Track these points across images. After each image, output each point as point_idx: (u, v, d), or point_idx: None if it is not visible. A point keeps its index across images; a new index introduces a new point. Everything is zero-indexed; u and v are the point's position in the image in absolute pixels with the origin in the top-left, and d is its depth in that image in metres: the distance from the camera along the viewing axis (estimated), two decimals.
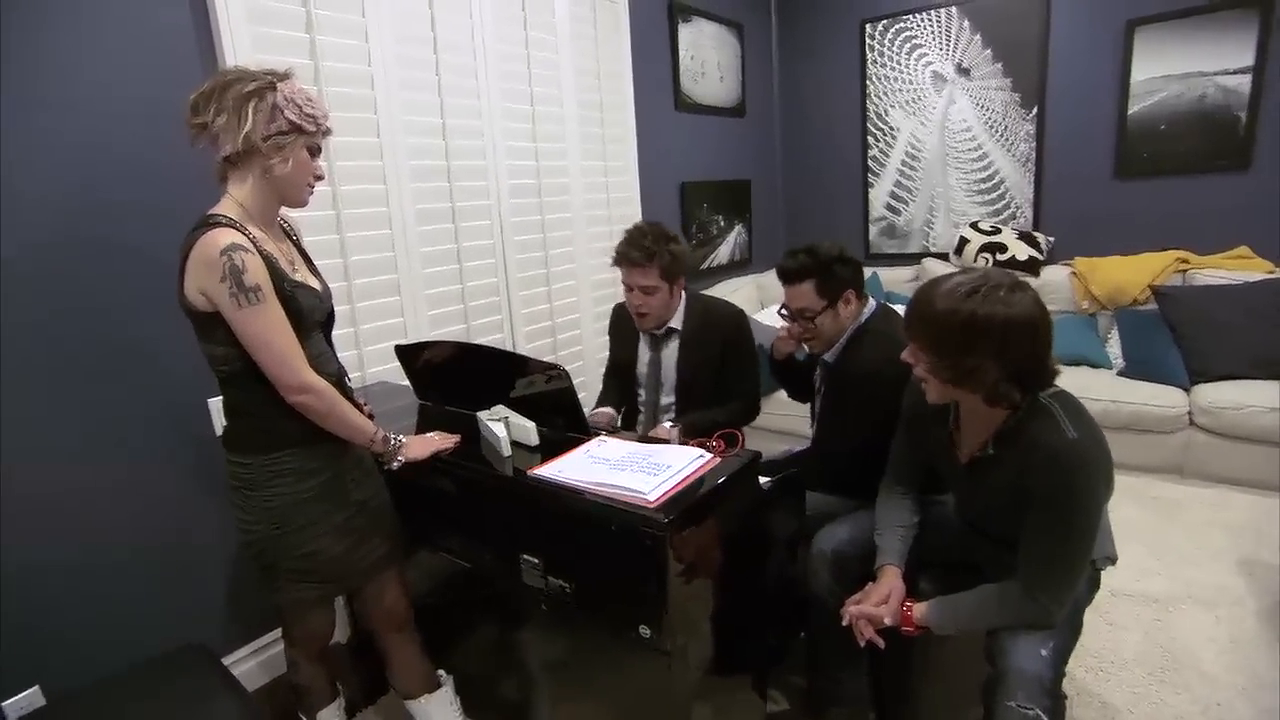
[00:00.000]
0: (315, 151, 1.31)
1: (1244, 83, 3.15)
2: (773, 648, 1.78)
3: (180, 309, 1.24)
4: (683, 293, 2.05)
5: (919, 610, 1.33)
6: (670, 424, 1.93)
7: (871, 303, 1.74)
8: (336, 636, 1.68)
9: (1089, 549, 1.22)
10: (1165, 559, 2.32)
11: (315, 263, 1.45)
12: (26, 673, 1.57)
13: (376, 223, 2.18)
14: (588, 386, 2.90)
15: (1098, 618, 2.03)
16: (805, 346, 1.80)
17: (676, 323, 2.04)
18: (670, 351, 2.07)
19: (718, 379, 2.03)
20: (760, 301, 3.90)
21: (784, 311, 1.76)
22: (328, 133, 1.33)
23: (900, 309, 1.46)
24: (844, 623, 1.36)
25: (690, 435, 1.72)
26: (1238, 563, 2.27)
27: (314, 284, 1.36)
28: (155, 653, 1.54)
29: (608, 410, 2.15)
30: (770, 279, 3.94)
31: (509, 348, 2.62)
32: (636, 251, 1.88)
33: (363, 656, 1.87)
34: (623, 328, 2.19)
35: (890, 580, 1.38)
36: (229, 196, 1.26)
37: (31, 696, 1.56)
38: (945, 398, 1.28)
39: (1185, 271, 3.24)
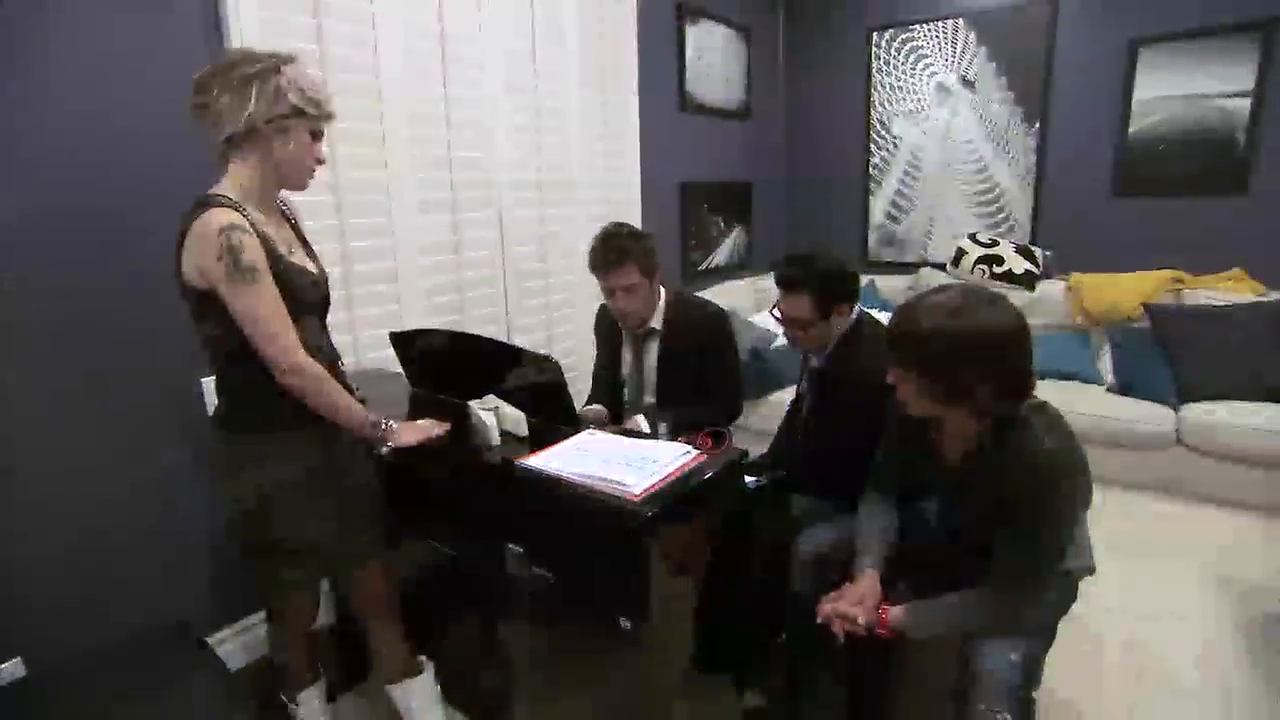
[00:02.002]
0: (317, 135, 1.32)
1: (1243, 106, 3.17)
2: (752, 646, 1.79)
3: (176, 288, 1.25)
4: (661, 290, 2.05)
5: (894, 613, 1.34)
6: (641, 416, 1.92)
7: (857, 307, 1.75)
8: (321, 620, 1.68)
9: (1060, 556, 1.23)
10: (1147, 574, 2.34)
11: (313, 247, 1.46)
12: (9, 645, 1.58)
13: (376, 210, 2.18)
14: (582, 381, 2.90)
15: (1075, 628, 2.03)
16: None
17: (656, 323, 2.04)
18: (651, 353, 2.07)
19: (698, 380, 2.03)
20: (757, 305, 3.92)
21: (776, 315, 1.77)
22: (330, 117, 1.34)
23: (883, 316, 1.47)
24: (818, 620, 1.37)
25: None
26: (1218, 580, 2.29)
27: (310, 268, 1.37)
28: (140, 629, 1.55)
29: (598, 407, 2.15)
30: (768, 283, 3.96)
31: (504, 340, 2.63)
32: (614, 253, 1.89)
33: (345, 641, 1.88)
34: (606, 329, 2.19)
35: (868, 582, 1.39)
36: (229, 177, 1.27)
37: (14, 667, 1.57)
38: (930, 413, 1.29)
39: (1179, 291, 3.26)
